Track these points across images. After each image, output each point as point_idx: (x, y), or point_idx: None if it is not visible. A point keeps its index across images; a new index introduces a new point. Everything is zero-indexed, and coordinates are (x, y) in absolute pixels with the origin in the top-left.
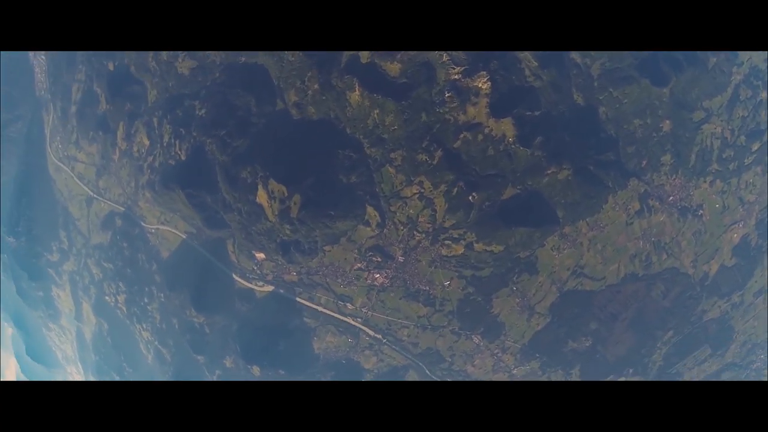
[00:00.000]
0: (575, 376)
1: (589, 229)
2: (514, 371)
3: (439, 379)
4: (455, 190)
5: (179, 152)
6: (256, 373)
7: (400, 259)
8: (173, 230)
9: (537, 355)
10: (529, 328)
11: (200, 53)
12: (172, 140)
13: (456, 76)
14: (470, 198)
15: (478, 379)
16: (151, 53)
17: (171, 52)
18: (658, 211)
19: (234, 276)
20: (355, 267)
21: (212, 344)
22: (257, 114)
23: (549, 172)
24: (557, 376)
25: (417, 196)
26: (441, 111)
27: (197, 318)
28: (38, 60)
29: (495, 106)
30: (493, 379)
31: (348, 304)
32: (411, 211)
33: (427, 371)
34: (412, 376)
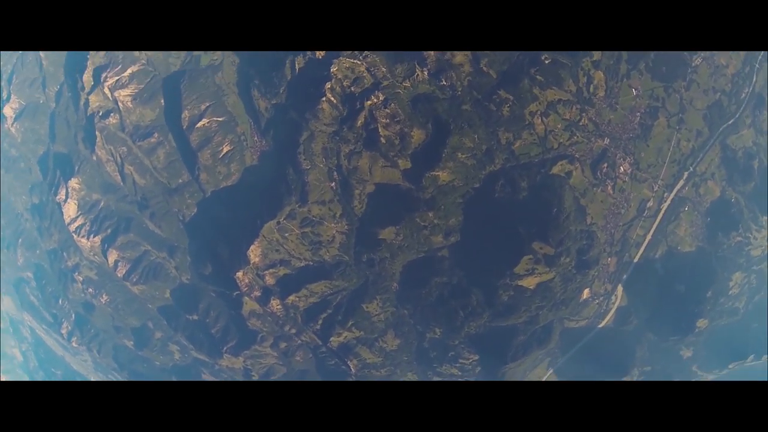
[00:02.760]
0: None
1: None
2: None
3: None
4: (546, 65)
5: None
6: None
7: (607, 141)
8: None
9: None
10: None
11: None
12: None
13: (425, 73)
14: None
15: None
16: None
17: None
18: None
19: (599, 326)
20: (609, 190)
21: None
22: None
23: None
24: None
25: (542, 121)
26: (459, 91)
27: None
28: None
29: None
30: None
31: (648, 203)
32: (558, 126)
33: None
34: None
